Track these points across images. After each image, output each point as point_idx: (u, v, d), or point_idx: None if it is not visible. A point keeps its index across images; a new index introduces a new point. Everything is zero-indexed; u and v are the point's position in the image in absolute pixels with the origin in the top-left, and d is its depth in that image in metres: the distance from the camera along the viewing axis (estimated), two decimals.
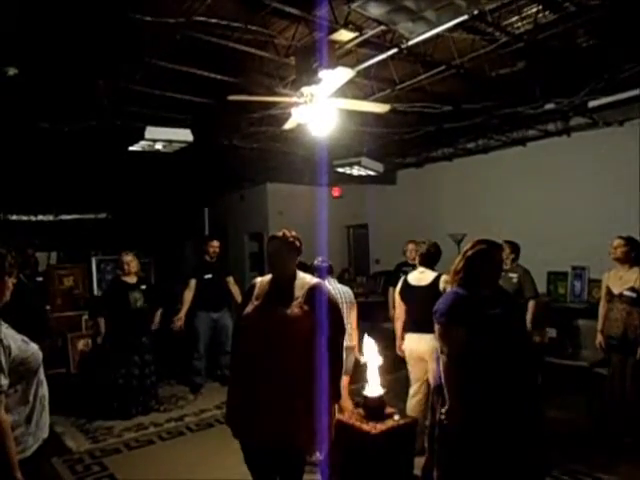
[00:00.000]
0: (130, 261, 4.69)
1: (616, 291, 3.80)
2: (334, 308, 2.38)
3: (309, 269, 4.18)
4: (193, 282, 5.30)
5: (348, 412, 3.34)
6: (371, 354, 3.08)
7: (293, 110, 3.61)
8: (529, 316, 4.41)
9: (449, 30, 3.33)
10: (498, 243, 2.49)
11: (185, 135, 4.77)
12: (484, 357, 2.32)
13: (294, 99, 3.57)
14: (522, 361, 2.47)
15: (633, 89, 3.99)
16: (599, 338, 3.92)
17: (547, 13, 3.40)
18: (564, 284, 6.03)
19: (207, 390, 5.29)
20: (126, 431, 4.28)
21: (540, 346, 5.13)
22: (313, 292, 2.34)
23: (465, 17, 2.90)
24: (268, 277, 2.49)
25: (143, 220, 9.03)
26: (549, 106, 4.85)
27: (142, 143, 4.71)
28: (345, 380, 3.62)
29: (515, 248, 4.68)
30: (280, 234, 2.45)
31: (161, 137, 4.62)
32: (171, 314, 5.26)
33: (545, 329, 5.49)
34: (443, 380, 2.38)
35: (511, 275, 4.50)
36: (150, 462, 3.71)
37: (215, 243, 5.45)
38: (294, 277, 2.42)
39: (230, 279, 5.48)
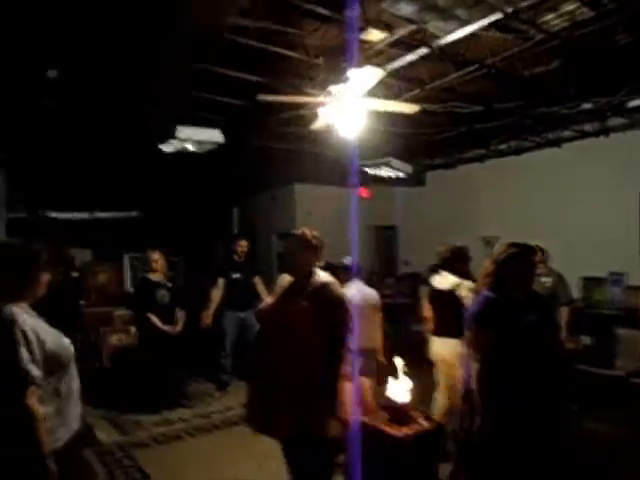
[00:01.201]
0: (157, 259, 4.80)
1: None
2: (339, 308, 2.34)
3: (335, 269, 4.19)
4: (221, 281, 5.36)
5: (372, 414, 3.32)
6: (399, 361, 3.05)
7: (321, 110, 3.61)
8: (564, 323, 4.27)
9: (482, 29, 3.27)
10: (531, 246, 2.42)
11: (215, 135, 4.83)
12: (517, 364, 2.25)
13: (322, 99, 3.57)
14: (554, 369, 2.39)
15: None
16: None
17: (585, 10, 3.29)
18: (601, 290, 5.82)
19: (233, 388, 5.33)
20: (154, 425, 4.36)
21: (573, 353, 4.97)
22: (318, 290, 2.34)
23: (499, 15, 2.83)
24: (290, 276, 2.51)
25: (174, 219, 9.19)
26: (586, 106, 4.70)
27: (173, 143, 4.79)
28: (368, 382, 3.60)
29: (544, 251, 4.54)
30: (299, 232, 2.46)
31: (192, 137, 4.70)
32: (199, 312, 5.33)
33: (579, 336, 5.32)
34: (475, 387, 2.32)
35: (544, 280, 4.37)
36: (178, 457, 3.77)
37: (243, 243, 5.49)
38: (310, 276, 2.42)
39: (258, 279, 5.51)
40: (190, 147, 5.00)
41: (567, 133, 6.00)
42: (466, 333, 2.37)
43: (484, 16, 2.85)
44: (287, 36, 3.48)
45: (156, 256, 4.83)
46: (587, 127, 5.81)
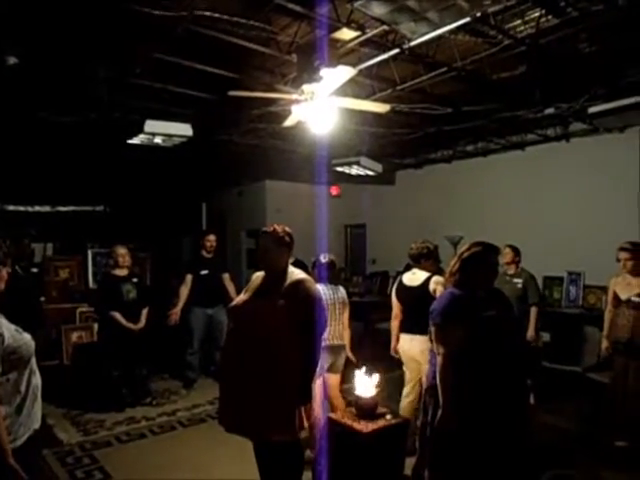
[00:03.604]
0: (124, 254, 4.71)
1: (624, 297, 3.77)
2: (313, 305, 2.35)
3: (305, 266, 4.21)
4: (189, 277, 5.29)
5: (340, 411, 3.35)
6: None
7: (293, 107, 3.61)
8: (532, 322, 4.40)
9: (451, 32, 3.33)
10: (494, 245, 2.49)
11: (185, 129, 4.76)
12: (479, 358, 2.32)
13: (295, 96, 3.57)
14: (515, 364, 2.47)
15: (634, 96, 4.00)
16: (605, 343, 3.90)
17: (550, 17, 3.40)
18: (559, 289, 6.05)
19: (200, 386, 5.28)
20: (117, 424, 4.27)
21: (535, 350, 5.14)
22: (293, 287, 2.35)
23: (468, 19, 2.90)
24: (261, 273, 2.51)
25: (140, 214, 9.01)
26: (549, 111, 4.86)
27: (141, 136, 4.70)
28: (336, 379, 3.63)
29: (517, 252, 4.66)
30: (270, 229, 2.47)
31: (160, 131, 4.62)
32: (167, 309, 5.25)
33: (540, 334, 5.51)
34: (438, 381, 2.37)
35: (516, 280, 4.47)
36: (141, 456, 3.70)
37: (212, 237, 5.43)
38: (284, 272, 2.43)
39: (226, 276, 5.46)
40: (159, 141, 4.92)
41: (531, 137, 6.20)
42: (431, 328, 2.42)
43: (454, 19, 2.91)
44: (258, 31, 3.46)
45: (123, 251, 4.73)
46: (550, 132, 6.02)
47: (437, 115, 5.04)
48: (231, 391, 2.39)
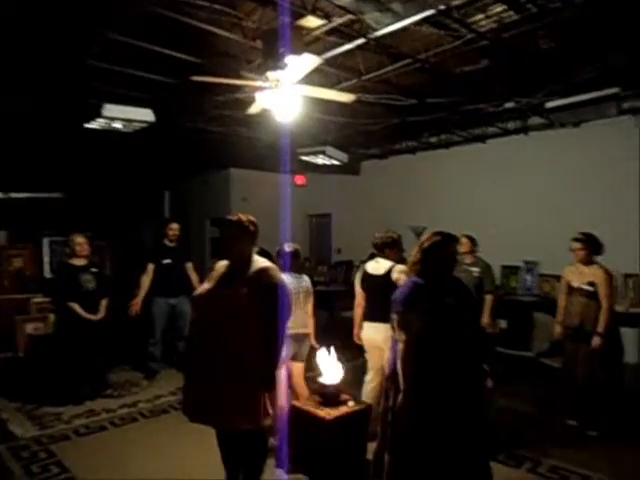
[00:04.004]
0: (82, 243, 4.57)
1: (575, 285, 3.95)
2: (278, 293, 2.37)
3: (270, 256, 4.19)
4: (151, 267, 5.18)
5: (304, 398, 3.38)
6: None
7: (258, 95, 3.56)
8: (487, 309, 4.54)
9: (416, 24, 3.36)
10: (453, 235, 2.56)
11: (146, 115, 4.62)
12: (439, 345, 2.38)
13: (259, 83, 3.52)
14: (473, 350, 2.55)
15: (588, 92, 4.16)
16: (558, 329, 4.08)
17: (511, 13, 3.48)
18: (516, 278, 6.28)
19: (162, 376, 5.21)
20: (76, 417, 4.17)
21: (492, 337, 5.32)
22: (257, 275, 2.36)
23: (431, 11, 2.93)
24: (225, 262, 2.50)
25: (100, 201, 8.73)
26: (509, 105, 5.00)
27: (99, 121, 4.53)
28: (300, 367, 3.66)
29: (474, 242, 4.79)
30: (235, 218, 2.46)
31: (120, 116, 4.46)
32: (128, 299, 5.13)
33: (497, 321, 5.70)
34: (399, 368, 2.42)
35: (473, 269, 4.60)
36: (100, 448, 3.63)
37: (175, 226, 5.34)
38: (249, 261, 2.43)
39: (189, 265, 5.39)
40: (118, 126, 4.76)
41: (492, 130, 6.35)
42: (393, 316, 2.47)
43: (418, 11, 2.93)
44: (222, 16, 3.38)
45: (81, 240, 4.59)
46: (510, 125, 6.18)
47: (401, 106, 5.09)
48: (195, 380, 2.38)
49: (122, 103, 4.52)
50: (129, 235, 8.80)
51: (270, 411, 2.36)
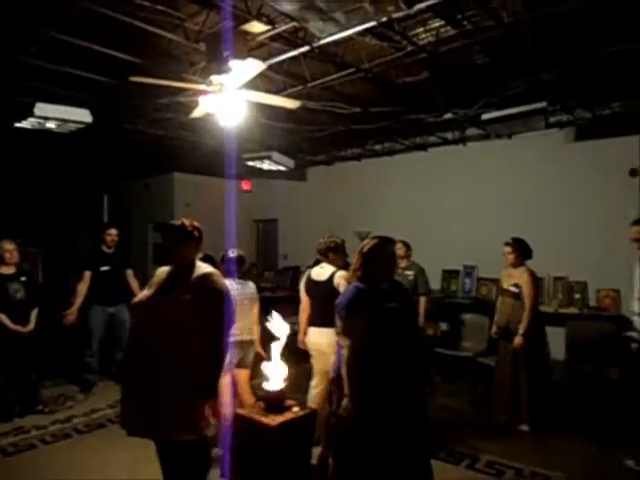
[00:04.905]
0: (11, 250, 4.29)
1: (505, 286, 4.24)
2: (222, 300, 2.33)
3: (214, 261, 4.12)
4: (88, 274, 4.95)
5: (248, 406, 3.34)
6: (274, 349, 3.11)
7: (201, 98, 3.51)
8: (421, 311, 4.70)
9: (359, 34, 3.45)
10: (390, 238, 2.63)
11: (83, 115, 4.42)
12: (383, 349, 2.43)
13: (202, 87, 3.47)
14: (415, 352, 2.63)
15: (519, 105, 4.42)
16: (493, 329, 4.34)
17: (449, 28, 3.64)
18: (456, 281, 6.53)
19: (100, 389, 4.97)
20: (3, 436, 3.89)
21: (433, 339, 5.51)
22: (200, 282, 2.32)
23: (373, 23, 3.01)
24: (166, 268, 2.43)
25: (30, 205, 8.23)
26: (448, 116, 5.21)
27: (31, 120, 4.29)
28: (245, 374, 3.62)
29: (409, 246, 4.97)
30: (178, 223, 2.42)
31: (54, 115, 4.24)
32: (61, 308, 4.87)
33: (438, 323, 5.90)
34: (343, 373, 2.45)
35: (407, 272, 4.77)
36: (29, 468, 3.40)
37: (113, 231, 5.13)
38: (192, 267, 2.38)
39: (129, 272, 5.19)
40: (52, 126, 4.52)
41: (432, 139, 6.59)
42: (336, 321, 2.50)
43: (360, 22, 3.00)
44: (164, 16, 3.31)
45: (9, 247, 4.30)
46: (449, 135, 6.44)
47: (347, 114, 5.18)
48: (132, 391, 2.29)
49: (59, 103, 4.31)
50: (63, 241, 8.36)
51: (212, 420, 2.31)
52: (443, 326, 5.93)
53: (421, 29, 3.71)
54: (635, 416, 3.40)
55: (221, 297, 2.33)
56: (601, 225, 5.28)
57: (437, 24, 3.62)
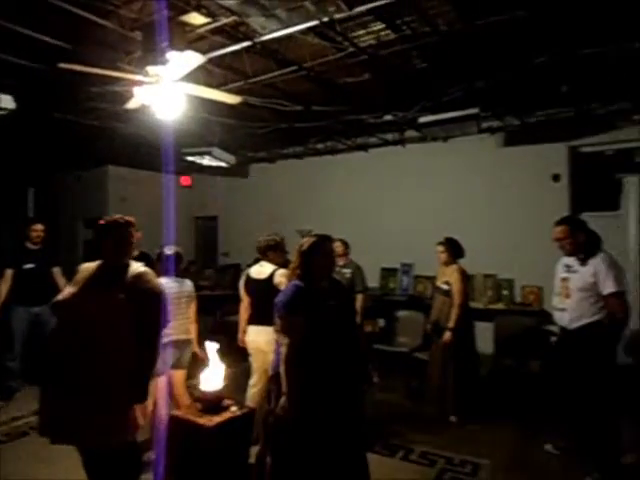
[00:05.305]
0: None
1: (437, 284, 4.41)
2: (154, 299, 2.28)
3: (150, 259, 3.98)
4: (9, 272, 4.62)
5: (184, 407, 3.26)
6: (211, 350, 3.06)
7: (136, 89, 3.37)
8: (359, 308, 4.80)
9: (301, 32, 3.45)
10: (329, 236, 2.66)
11: (5, 101, 4.12)
12: (322, 347, 2.45)
13: (138, 77, 3.34)
14: (353, 350, 2.67)
15: (454, 111, 4.61)
16: (428, 325, 4.52)
17: (389, 32, 3.72)
18: (394, 279, 6.72)
19: (22, 395, 4.65)
20: None
21: (372, 335, 5.63)
22: (134, 281, 2.24)
23: (314, 22, 3.02)
24: (95, 263, 2.32)
25: None
26: (387, 117, 5.34)
27: None
28: (181, 375, 3.53)
29: (347, 245, 5.05)
30: (112, 219, 2.32)
31: None
32: None
33: (377, 320, 6.05)
34: (282, 370, 2.45)
35: (345, 271, 4.85)
36: None
37: (39, 227, 4.82)
38: (126, 266, 2.29)
39: (57, 270, 4.90)
40: None
41: (373, 140, 6.72)
42: (276, 320, 2.49)
43: (301, 21, 3.01)
44: (99, 1, 3.15)
45: None
46: (389, 136, 6.60)
47: (289, 111, 5.17)
48: (54, 395, 2.16)
49: None
50: None
51: (142, 422, 2.23)
52: (381, 323, 6.09)
53: (363, 31, 3.76)
54: (554, 405, 3.65)
55: (155, 298, 2.27)
56: (527, 226, 5.62)
57: (378, 27, 3.69)
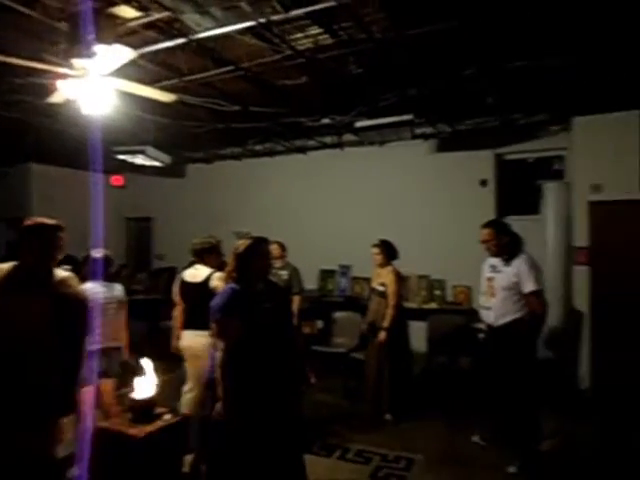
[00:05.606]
0: None
1: (373, 285, 4.51)
2: (78, 308, 2.19)
3: (77, 262, 3.78)
4: None
5: (114, 418, 3.12)
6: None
7: (60, 82, 3.18)
8: (295, 310, 4.81)
9: (239, 32, 3.41)
10: (265, 238, 2.66)
11: None
12: (259, 350, 2.43)
13: (63, 70, 3.15)
14: (290, 352, 2.67)
15: (389, 116, 4.75)
16: (363, 325, 4.60)
17: (326, 36, 3.76)
18: (332, 280, 6.80)
19: None
20: None
21: (310, 337, 5.66)
22: (57, 286, 2.13)
23: (250, 23, 3.00)
24: (8, 265, 2.17)
25: None
26: (325, 121, 5.40)
27: None
28: (110, 384, 3.37)
29: (284, 247, 5.06)
30: (35, 220, 2.18)
31: None
32: None
33: (315, 321, 6.09)
34: (218, 375, 2.40)
35: (282, 272, 4.86)
36: None
37: None
38: (50, 270, 2.16)
39: None
40: None
41: (311, 142, 6.76)
42: (211, 324, 2.45)
43: (237, 21, 2.97)
44: None
45: None
46: (327, 139, 6.67)
47: (226, 112, 5.09)
48: None
49: None
50: None
51: (69, 436, 2.11)
52: (320, 324, 6.13)
53: (300, 35, 3.78)
54: (481, 398, 3.85)
55: (78, 304, 2.16)
56: (457, 228, 5.88)
57: (315, 31, 3.72)
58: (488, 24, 3.40)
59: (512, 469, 3.35)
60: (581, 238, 5.11)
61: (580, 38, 3.58)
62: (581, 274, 5.10)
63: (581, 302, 5.09)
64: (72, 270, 2.94)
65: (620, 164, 4.93)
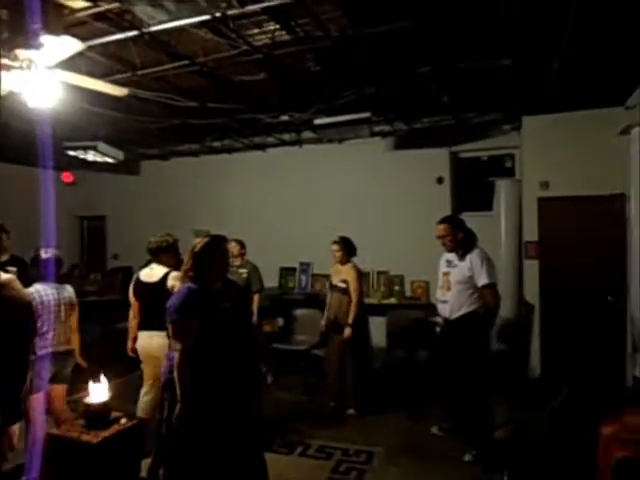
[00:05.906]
0: None
1: (334, 282, 4.52)
2: (21, 310, 2.09)
3: (24, 263, 3.61)
4: None
5: (66, 425, 3.00)
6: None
7: (3, 74, 3.01)
8: (255, 308, 4.79)
9: (194, 26, 3.34)
10: (222, 236, 2.62)
11: None
12: (217, 350, 2.40)
13: (5, 61, 2.98)
14: (249, 351, 2.65)
15: (347, 114, 4.77)
16: (322, 322, 4.61)
17: (283, 33, 3.74)
18: (293, 278, 6.79)
19: None
20: None
21: (271, 335, 5.64)
22: None
23: (205, 17, 2.94)
24: None
25: None
26: (284, 117, 5.37)
27: None
28: (61, 389, 3.24)
29: (243, 245, 5.02)
30: None
31: None
32: None
33: (275, 319, 6.07)
34: (176, 377, 2.35)
35: (241, 271, 4.81)
36: None
37: None
38: None
39: None
40: None
41: (270, 139, 6.72)
42: (168, 325, 2.39)
43: (191, 14, 2.91)
44: None
45: None
46: (286, 136, 6.64)
47: (182, 107, 4.97)
48: None
49: None
50: None
51: (18, 445, 2.02)
52: (281, 322, 6.12)
53: (257, 30, 3.74)
54: (439, 390, 3.95)
55: (21, 307, 2.06)
56: (415, 224, 5.99)
57: (272, 27, 3.69)
58: (442, 24, 3.48)
59: (468, 457, 3.47)
60: (531, 233, 5.33)
61: (529, 39, 3.72)
62: (531, 267, 5.32)
63: (532, 295, 5.31)
64: (18, 272, 2.82)
65: (565, 162, 5.17)
